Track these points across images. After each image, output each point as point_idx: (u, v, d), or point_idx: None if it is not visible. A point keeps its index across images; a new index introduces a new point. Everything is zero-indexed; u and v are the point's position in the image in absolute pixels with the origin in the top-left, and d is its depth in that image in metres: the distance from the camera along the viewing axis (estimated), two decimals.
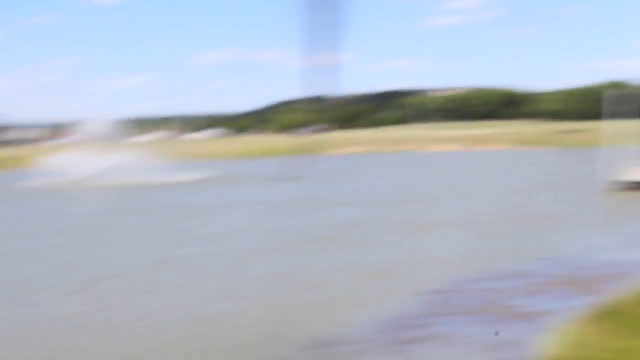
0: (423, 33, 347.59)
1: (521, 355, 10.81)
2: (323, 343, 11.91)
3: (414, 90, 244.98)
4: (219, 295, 15.47)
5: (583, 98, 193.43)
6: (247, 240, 23.23)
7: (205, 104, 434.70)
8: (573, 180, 42.86)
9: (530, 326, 12.25)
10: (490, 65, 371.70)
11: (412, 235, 23.02)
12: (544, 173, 50.17)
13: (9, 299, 15.75)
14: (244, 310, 14.08)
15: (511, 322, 12.66)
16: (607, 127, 36.42)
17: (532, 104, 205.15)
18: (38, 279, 17.70)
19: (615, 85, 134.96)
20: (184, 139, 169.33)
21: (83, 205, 37.75)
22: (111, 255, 21.06)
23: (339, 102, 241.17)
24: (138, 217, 30.90)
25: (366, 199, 35.58)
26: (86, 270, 18.44)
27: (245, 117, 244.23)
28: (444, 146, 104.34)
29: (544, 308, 13.49)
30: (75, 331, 13.01)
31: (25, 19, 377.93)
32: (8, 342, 12.54)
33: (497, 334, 11.44)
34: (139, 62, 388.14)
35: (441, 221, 26.50)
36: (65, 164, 55.25)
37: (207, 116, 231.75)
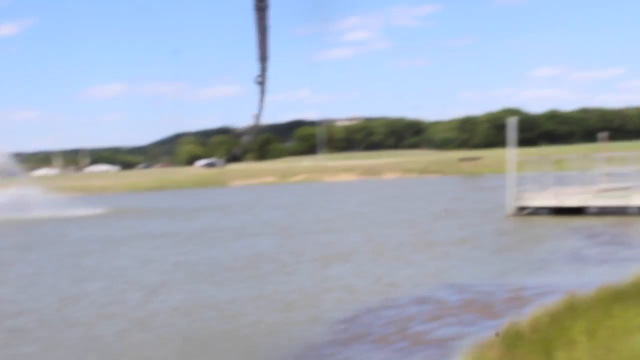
0: (320, 64, 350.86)
1: None
2: None
3: (314, 121, 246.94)
4: (133, 327, 14.95)
5: (481, 125, 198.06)
6: (153, 273, 22.62)
7: (100, 137, 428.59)
8: (475, 207, 43.49)
9: (440, 351, 12.15)
10: (388, 95, 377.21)
11: (318, 265, 22.80)
12: (447, 200, 50.84)
13: None
14: (157, 340, 13.65)
15: (421, 348, 12.53)
16: (507, 154, 37.06)
17: (431, 133, 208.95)
18: None
19: (512, 113, 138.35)
20: (78, 173, 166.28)
21: None
22: (16, 291, 20.22)
23: (240, 133, 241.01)
24: (40, 252, 29.86)
25: (270, 230, 35.29)
26: None
27: (142, 150, 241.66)
28: (343, 176, 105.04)
29: (452, 333, 13.41)
30: None
31: None
32: None
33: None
34: (30, 96, 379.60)
35: (347, 250, 26.38)
36: None
37: (101, 149, 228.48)
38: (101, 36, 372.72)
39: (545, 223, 32.67)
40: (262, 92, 5.58)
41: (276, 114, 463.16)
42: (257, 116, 6.26)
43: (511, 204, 35.81)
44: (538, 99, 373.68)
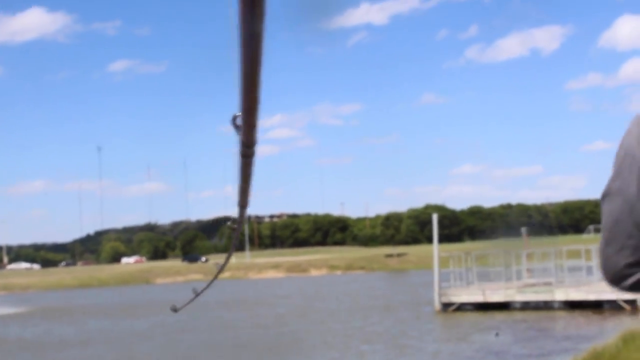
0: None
1: None
2: None
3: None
4: None
5: (405, 222, 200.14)
6: None
7: (21, 234, 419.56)
8: (401, 302, 43.65)
9: None
10: (313, 192, 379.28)
11: None
12: (371, 296, 50.92)
13: None
14: None
15: None
16: (432, 250, 37.53)
17: (356, 229, 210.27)
18: None
19: (436, 209, 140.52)
20: (0, 271, 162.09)
21: None
22: None
23: (164, 230, 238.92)
24: None
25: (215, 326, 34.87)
26: None
27: (65, 247, 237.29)
28: (269, 273, 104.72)
29: None
30: None
31: None
32: None
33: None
34: None
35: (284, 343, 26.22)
36: None
37: (22, 246, 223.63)
38: (24, 132, 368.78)
39: (471, 319, 32.95)
40: (236, 237, 5.68)
41: (202, 211, 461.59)
42: (225, 260, 6.33)
43: (437, 300, 36.08)
44: (461, 196, 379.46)
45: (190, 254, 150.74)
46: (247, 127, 2.14)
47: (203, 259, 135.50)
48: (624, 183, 2.10)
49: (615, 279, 2.14)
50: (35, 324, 42.11)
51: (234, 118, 2.03)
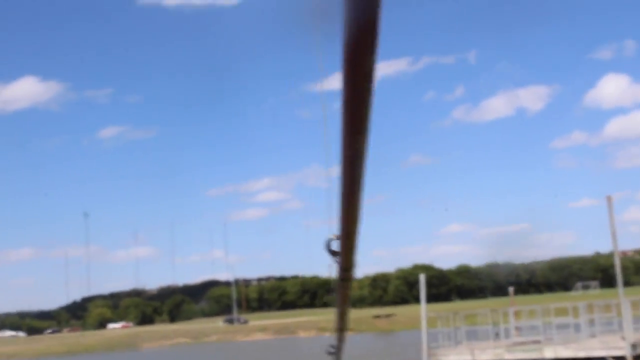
0: (233, 224, 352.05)
1: None
2: None
3: (227, 281, 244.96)
4: None
5: (393, 282, 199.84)
6: None
7: (6, 302, 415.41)
8: None
9: None
10: (300, 254, 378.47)
11: None
12: (361, 357, 50.65)
13: None
14: None
15: None
16: (420, 310, 37.50)
17: None
18: None
19: (423, 269, 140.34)
20: None
21: None
22: None
23: (151, 294, 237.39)
24: None
25: None
26: None
27: (52, 314, 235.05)
28: (257, 335, 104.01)
29: None
30: None
31: None
32: None
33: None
34: None
35: None
36: None
37: (9, 314, 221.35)
38: (10, 200, 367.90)
39: None
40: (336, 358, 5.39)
41: (189, 275, 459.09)
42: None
43: None
44: (448, 255, 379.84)
45: (229, 315, 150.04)
46: (346, 251, 2.12)
47: (242, 319, 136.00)
48: None
49: None
50: None
51: (329, 242, 2.00)
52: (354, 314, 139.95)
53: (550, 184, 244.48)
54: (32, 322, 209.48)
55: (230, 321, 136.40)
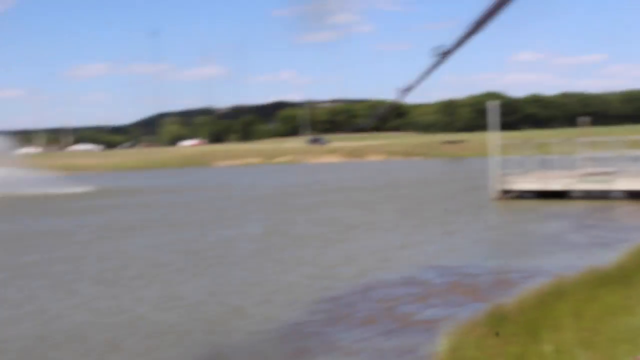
0: (304, 46, 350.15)
1: None
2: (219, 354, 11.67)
3: (296, 103, 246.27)
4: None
5: (463, 109, 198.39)
6: (166, 255, 22.67)
7: (84, 116, 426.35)
8: (460, 189, 43.69)
9: (428, 333, 12.24)
10: (370, 77, 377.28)
11: (300, 247, 22.90)
12: (433, 182, 50.97)
13: None
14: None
15: (408, 330, 12.64)
16: (489, 137, 37.21)
17: (413, 116, 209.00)
18: None
19: (494, 97, 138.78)
20: (64, 152, 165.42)
21: None
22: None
23: (223, 113, 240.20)
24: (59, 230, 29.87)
25: (267, 208, 35.42)
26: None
27: (126, 130, 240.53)
28: (327, 158, 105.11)
29: (439, 315, 13.51)
30: None
31: None
32: None
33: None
34: (14, 75, 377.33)
35: (330, 232, 26.50)
36: None
37: (86, 128, 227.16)
38: (84, 15, 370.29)
39: (530, 206, 32.87)
40: (437, 64, 5.07)
41: (259, 96, 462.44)
42: (409, 88, 5.72)
43: (495, 187, 36.00)
44: (520, 83, 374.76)
45: (313, 137, 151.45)
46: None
47: (323, 141, 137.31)
48: None
49: None
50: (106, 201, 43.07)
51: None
52: (424, 138, 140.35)
53: (634, 14, 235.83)
54: (107, 137, 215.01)
55: (315, 141, 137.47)
